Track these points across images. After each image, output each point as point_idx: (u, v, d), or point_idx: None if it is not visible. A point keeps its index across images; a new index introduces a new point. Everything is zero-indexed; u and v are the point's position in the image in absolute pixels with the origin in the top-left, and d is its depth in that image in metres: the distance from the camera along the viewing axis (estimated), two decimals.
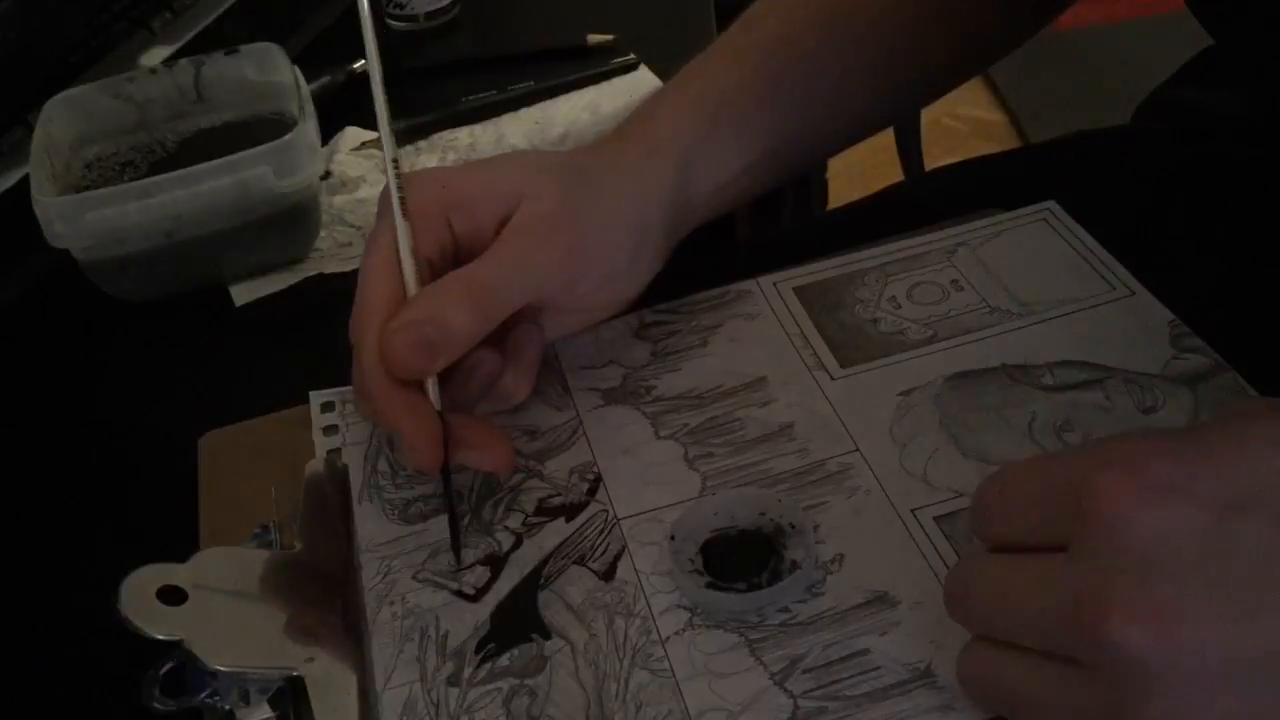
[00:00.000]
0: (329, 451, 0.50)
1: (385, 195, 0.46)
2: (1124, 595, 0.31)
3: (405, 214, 0.45)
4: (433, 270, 0.46)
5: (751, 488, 0.45)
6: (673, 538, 0.44)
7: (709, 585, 0.42)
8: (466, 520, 0.46)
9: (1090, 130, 0.66)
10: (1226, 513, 0.31)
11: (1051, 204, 0.56)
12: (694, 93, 0.52)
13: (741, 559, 0.42)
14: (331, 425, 0.51)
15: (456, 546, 0.45)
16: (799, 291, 0.54)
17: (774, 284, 0.55)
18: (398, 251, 0.45)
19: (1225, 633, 0.30)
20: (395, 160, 0.45)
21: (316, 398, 0.52)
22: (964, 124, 2.01)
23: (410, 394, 0.44)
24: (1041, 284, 0.52)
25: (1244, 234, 0.54)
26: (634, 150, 0.50)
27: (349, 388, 0.52)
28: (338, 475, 0.48)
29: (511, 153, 0.49)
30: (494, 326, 0.45)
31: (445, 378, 0.45)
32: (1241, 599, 0.30)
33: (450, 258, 0.47)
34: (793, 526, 0.43)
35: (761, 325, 0.53)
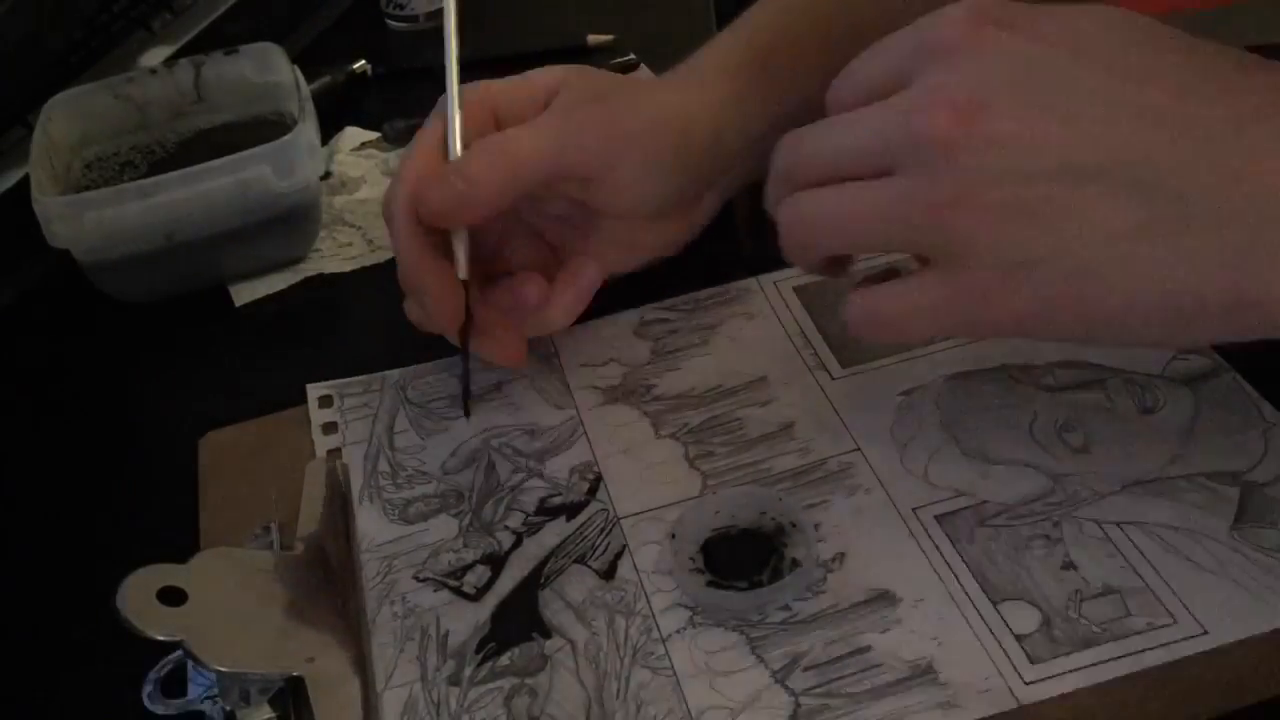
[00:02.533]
0: (329, 451, 0.50)
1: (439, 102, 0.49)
2: (943, 97, 0.36)
3: (458, 85, 0.48)
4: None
5: (752, 487, 0.45)
6: (673, 537, 0.44)
7: (710, 584, 0.42)
8: (468, 519, 0.46)
9: None
10: (1046, 44, 0.36)
11: None
12: (743, 37, 0.54)
13: (742, 558, 0.42)
14: (330, 423, 0.51)
15: (465, 399, 0.50)
16: (799, 291, 0.54)
17: (774, 283, 0.55)
18: (439, 140, 0.48)
19: (1018, 130, 0.35)
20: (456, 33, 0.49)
21: (314, 390, 0.52)
22: None
23: (439, 260, 0.47)
24: None
25: None
26: (681, 77, 0.52)
27: (346, 380, 0.53)
28: (337, 475, 0.48)
29: (553, 65, 0.53)
30: (522, 190, 0.47)
31: (487, 283, 0.50)
32: (1039, 107, 0.35)
33: None
34: (793, 525, 0.43)
35: (761, 325, 0.53)
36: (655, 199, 0.51)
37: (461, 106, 0.48)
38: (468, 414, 0.50)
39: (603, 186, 0.49)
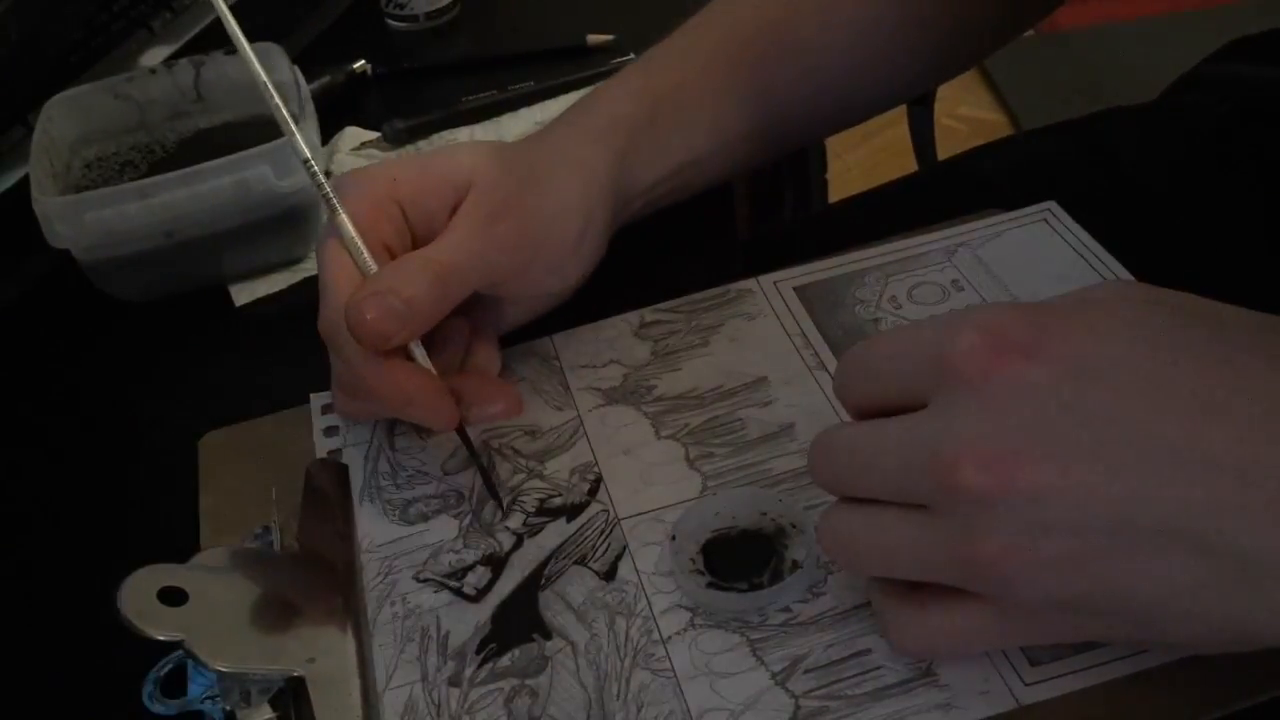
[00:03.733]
0: (329, 452, 0.50)
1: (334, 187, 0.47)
2: (973, 443, 0.33)
3: (341, 202, 0.46)
4: (392, 258, 0.47)
5: (752, 488, 0.45)
6: (674, 538, 0.43)
7: (710, 585, 0.42)
8: (468, 520, 0.46)
9: (1121, 107, 0.66)
10: (1073, 377, 0.33)
11: (1051, 204, 0.56)
12: (637, 85, 0.54)
13: (743, 559, 0.42)
14: (332, 426, 0.51)
15: (495, 495, 0.47)
16: (799, 291, 0.54)
17: (774, 284, 0.55)
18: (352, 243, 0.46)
19: (1060, 483, 0.32)
20: (308, 160, 0.47)
21: (317, 400, 0.52)
22: (964, 124, 2.01)
23: (407, 364, 0.45)
24: (1042, 284, 0.52)
25: (1249, 232, 0.54)
26: (576, 139, 0.51)
27: None
28: (338, 475, 0.48)
29: (459, 143, 0.51)
30: (451, 306, 0.46)
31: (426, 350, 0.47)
32: (1079, 456, 0.32)
33: (409, 247, 0.48)
34: (794, 526, 0.43)
35: (762, 325, 0.53)
36: (561, 285, 0.51)
37: (365, 204, 0.46)
38: (503, 508, 0.46)
39: (514, 285, 0.49)
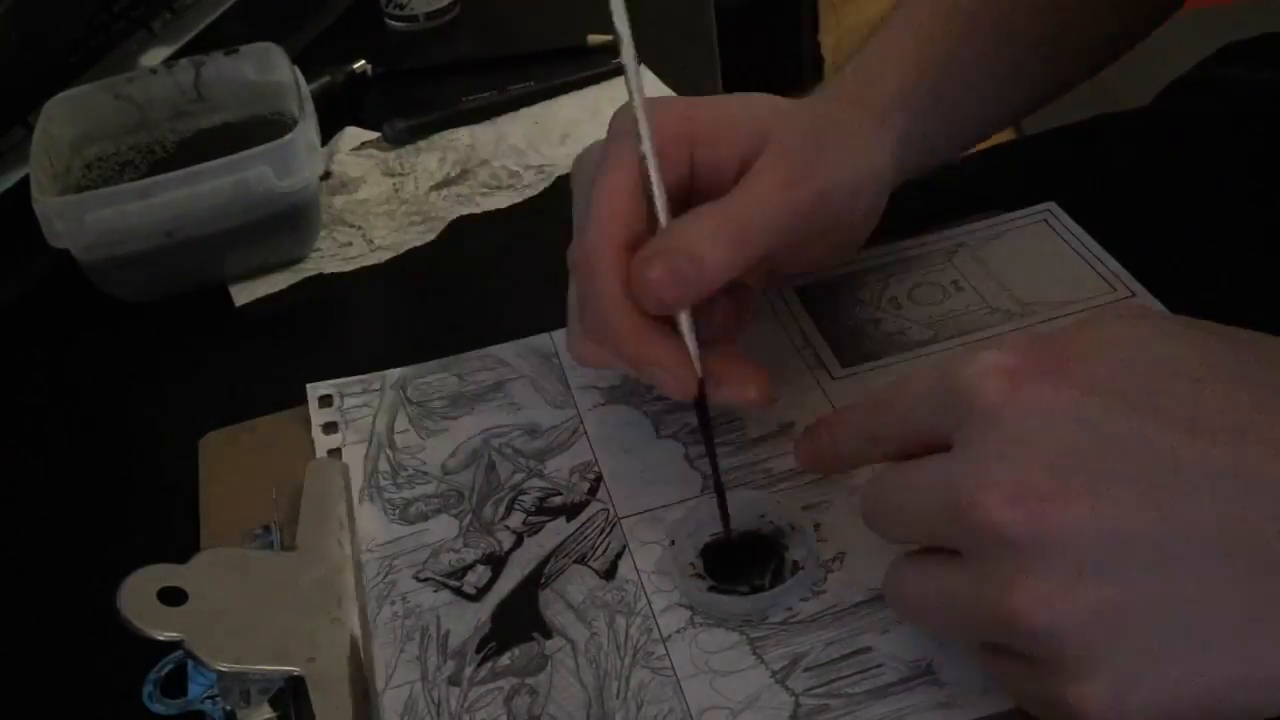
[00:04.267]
0: (329, 451, 0.50)
1: (620, 117, 0.44)
2: (997, 479, 0.32)
3: (653, 141, 0.42)
4: (669, 201, 0.43)
5: (750, 491, 0.45)
6: (672, 542, 0.43)
7: (711, 589, 0.42)
8: (468, 519, 0.46)
9: (1117, 111, 0.66)
10: (1097, 399, 0.32)
11: (1051, 205, 0.56)
12: (911, 52, 0.50)
13: (743, 561, 0.42)
14: (331, 423, 0.51)
15: (720, 497, 0.43)
16: (799, 291, 0.54)
17: None
18: (637, 178, 0.42)
19: (1093, 514, 0.31)
20: (640, 86, 0.43)
21: (314, 390, 0.52)
22: None
23: (658, 324, 0.42)
24: (1042, 285, 0.52)
25: (1246, 234, 0.54)
26: (863, 115, 0.48)
27: (345, 379, 0.52)
28: (338, 475, 0.48)
29: (753, 94, 0.47)
30: (745, 268, 0.42)
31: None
32: (1110, 482, 0.31)
33: (686, 189, 0.44)
34: (793, 527, 0.43)
35: (761, 325, 0.53)
36: (837, 259, 0.50)
37: (656, 145, 0.42)
38: (728, 527, 0.43)
39: (797, 253, 0.45)
